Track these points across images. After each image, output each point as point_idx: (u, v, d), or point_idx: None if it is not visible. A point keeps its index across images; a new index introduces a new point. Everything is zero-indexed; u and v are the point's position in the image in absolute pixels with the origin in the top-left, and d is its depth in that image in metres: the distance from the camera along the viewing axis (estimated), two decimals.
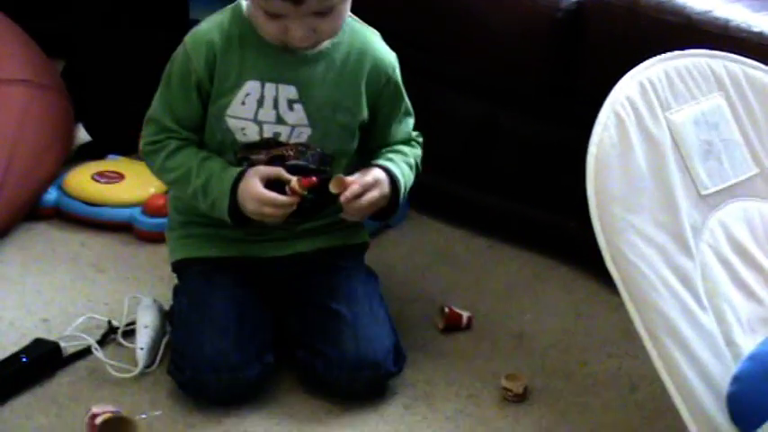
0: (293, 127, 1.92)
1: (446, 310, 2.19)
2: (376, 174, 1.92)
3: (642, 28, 2.17)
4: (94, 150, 2.66)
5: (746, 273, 1.78)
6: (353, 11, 1.98)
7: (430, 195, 2.54)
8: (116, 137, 2.68)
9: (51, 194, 2.47)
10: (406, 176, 1.98)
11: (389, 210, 1.97)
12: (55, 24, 3.00)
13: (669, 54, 1.87)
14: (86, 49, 2.79)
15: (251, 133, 1.92)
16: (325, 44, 1.92)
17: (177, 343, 1.97)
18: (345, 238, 2.04)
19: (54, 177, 2.50)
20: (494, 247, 2.46)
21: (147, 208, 2.41)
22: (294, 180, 1.87)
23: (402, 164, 1.98)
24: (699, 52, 1.90)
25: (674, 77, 1.84)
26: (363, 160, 2.00)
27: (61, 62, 2.78)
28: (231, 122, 1.92)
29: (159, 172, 1.98)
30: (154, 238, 2.39)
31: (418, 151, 2.05)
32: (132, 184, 2.48)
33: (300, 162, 1.94)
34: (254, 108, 1.91)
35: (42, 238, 2.41)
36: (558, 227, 2.38)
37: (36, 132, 2.47)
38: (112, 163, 2.56)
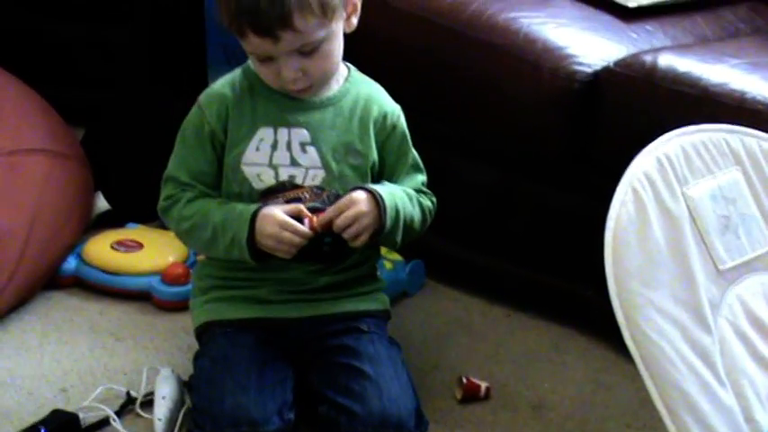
0: (307, 169, 1.96)
1: (464, 380, 2.19)
2: (351, 196, 1.94)
3: (659, 99, 2.18)
4: (114, 219, 2.67)
5: (765, 347, 1.78)
6: (368, 76, 2.01)
7: (447, 264, 2.55)
8: (135, 205, 2.70)
9: (71, 263, 2.48)
10: (397, 198, 1.98)
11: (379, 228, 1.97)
12: (75, 92, 3.04)
13: (686, 129, 1.88)
14: (106, 117, 2.81)
15: (267, 178, 1.96)
16: (333, 91, 1.98)
17: (198, 401, 1.98)
18: (368, 303, 2.05)
19: (73, 246, 2.51)
20: (512, 316, 2.46)
21: (166, 277, 2.42)
22: (314, 218, 1.90)
23: (391, 187, 2.00)
24: (715, 127, 1.90)
25: (690, 153, 1.85)
26: None
27: (81, 130, 2.80)
28: (247, 170, 1.96)
29: (177, 223, 2.00)
30: (173, 307, 2.40)
31: (427, 201, 2.06)
32: (151, 252, 2.49)
33: (317, 204, 1.96)
34: (269, 152, 1.95)
35: (61, 307, 2.42)
36: (575, 295, 2.38)
37: (56, 202, 2.49)
38: (132, 231, 2.58)
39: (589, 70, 2.26)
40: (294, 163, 1.96)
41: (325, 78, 1.96)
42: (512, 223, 2.46)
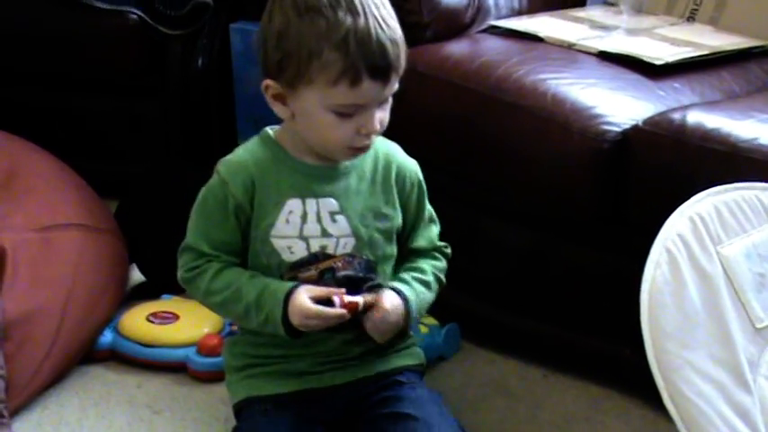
0: (338, 238, 1.94)
1: None
2: (387, 307, 1.92)
3: (689, 156, 2.18)
4: (148, 291, 2.69)
5: None
6: (399, 143, 2.02)
7: (483, 325, 2.55)
8: (170, 276, 2.70)
9: (107, 337, 2.49)
10: (417, 293, 1.98)
11: (402, 332, 1.97)
12: (107, 166, 3.07)
13: (718, 188, 1.88)
14: (138, 190, 2.83)
15: (298, 250, 1.93)
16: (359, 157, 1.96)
17: None
18: (404, 359, 2.04)
19: (109, 320, 2.52)
20: (548, 377, 2.45)
21: (202, 347, 2.43)
22: (346, 298, 1.88)
23: (416, 284, 1.99)
24: (747, 185, 1.91)
25: (723, 211, 1.85)
26: (397, 268, 2.03)
27: (114, 203, 2.82)
28: (277, 243, 1.93)
29: (205, 296, 1.97)
30: (209, 377, 2.40)
31: (442, 264, 2.05)
32: (186, 323, 2.50)
33: (350, 272, 1.94)
34: (299, 224, 1.92)
35: (99, 381, 2.42)
36: (612, 355, 2.37)
37: (91, 276, 2.50)
38: (166, 303, 2.59)
39: (618, 129, 2.26)
40: (325, 233, 1.94)
41: (383, 131, 1.94)
42: (546, 284, 2.46)
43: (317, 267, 1.93)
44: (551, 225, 2.42)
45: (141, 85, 3.09)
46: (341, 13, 1.81)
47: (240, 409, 2.02)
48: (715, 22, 2.75)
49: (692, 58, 2.52)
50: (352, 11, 1.81)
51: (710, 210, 1.84)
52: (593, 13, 2.82)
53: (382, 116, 1.88)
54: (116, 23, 3.03)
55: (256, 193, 1.92)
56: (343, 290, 1.89)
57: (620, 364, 2.34)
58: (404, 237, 2.03)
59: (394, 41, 1.83)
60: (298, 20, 1.83)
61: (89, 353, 2.47)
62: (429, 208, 2.06)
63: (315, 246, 1.93)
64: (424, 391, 2.00)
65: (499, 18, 2.74)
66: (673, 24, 2.75)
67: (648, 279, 1.76)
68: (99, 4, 3.04)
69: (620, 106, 2.32)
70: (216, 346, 2.42)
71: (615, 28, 2.69)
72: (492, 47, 2.59)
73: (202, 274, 1.95)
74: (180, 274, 1.99)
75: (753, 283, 1.81)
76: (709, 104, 2.34)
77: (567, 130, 2.28)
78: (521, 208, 2.44)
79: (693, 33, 2.68)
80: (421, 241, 2.03)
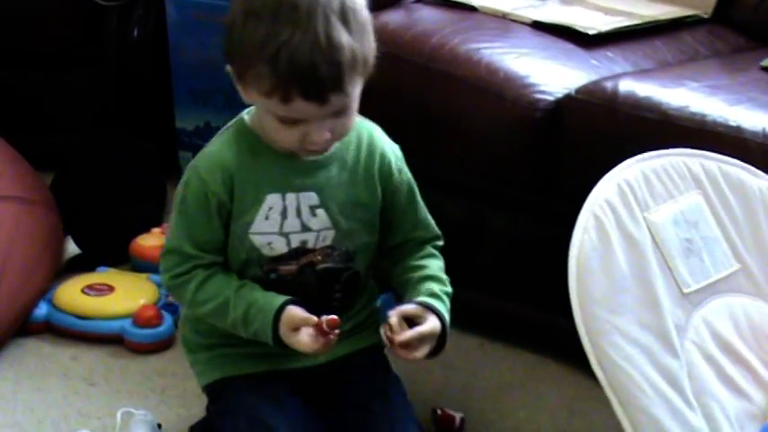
0: (318, 232, 1.91)
1: (438, 411, 2.19)
2: (434, 325, 1.89)
3: (620, 125, 2.20)
4: (84, 263, 2.67)
5: (733, 369, 1.79)
6: None
7: None
8: (105, 249, 2.70)
9: (42, 309, 2.48)
10: (448, 314, 1.96)
11: (434, 352, 1.94)
12: (42, 138, 3.05)
13: (645, 154, 1.89)
14: (74, 162, 2.81)
15: (278, 246, 1.90)
16: (335, 145, 1.89)
17: None
18: (373, 337, 2.02)
19: (44, 292, 2.51)
20: (484, 346, 2.46)
21: (138, 319, 2.42)
22: (324, 322, 1.83)
23: (446, 298, 1.97)
24: (675, 151, 1.92)
25: (651, 177, 1.87)
26: (393, 257, 2.01)
27: (49, 176, 2.80)
28: (256, 239, 1.89)
29: (191, 304, 1.92)
30: (145, 349, 2.40)
31: (442, 261, 2.03)
32: (122, 295, 2.49)
33: (329, 264, 1.93)
34: (279, 221, 1.88)
35: (33, 354, 2.41)
36: (547, 323, 2.39)
37: (26, 249, 2.48)
38: (102, 275, 2.57)
39: (551, 98, 2.27)
40: (305, 228, 1.89)
41: (345, 136, 1.86)
42: (481, 254, 2.47)
43: (297, 262, 1.91)
44: (485, 194, 2.43)
45: (76, 56, 3.07)
46: (279, 26, 1.71)
47: (216, 389, 1.98)
48: None
49: (626, 27, 2.54)
50: (294, 23, 1.71)
51: (638, 176, 1.85)
52: None
53: (337, 124, 1.79)
54: None
55: (235, 189, 1.87)
56: (324, 319, 1.83)
57: (555, 331, 2.36)
58: (395, 225, 1.99)
59: (333, 62, 1.71)
60: (242, 21, 1.75)
61: (24, 325, 2.45)
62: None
63: (295, 241, 1.90)
64: (393, 381, 2.01)
65: None
66: None
67: (576, 245, 1.77)
68: None
69: (553, 75, 2.33)
70: (152, 317, 2.41)
71: None
72: (426, 16, 2.59)
73: (188, 282, 1.89)
74: (164, 279, 1.93)
75: (680, 248, 1.83)
76: (641, 73, 2.36)
77: (501, 98, 2.29)
78: (455, 177, 2.45)
79: (627, 3, 2.69)
80: (419, 231, 2.01)
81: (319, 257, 1.91)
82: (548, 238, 2.32)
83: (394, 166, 1.97)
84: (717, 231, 1.88)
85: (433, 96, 2.40)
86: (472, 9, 2.61)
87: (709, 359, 1.78)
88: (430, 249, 2.01)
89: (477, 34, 2.45)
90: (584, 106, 2.24)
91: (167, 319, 2.43)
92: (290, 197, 1.88)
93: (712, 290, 1.84)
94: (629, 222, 1.80)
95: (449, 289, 1.98)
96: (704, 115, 2.13)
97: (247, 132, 1.89)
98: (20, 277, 2.44)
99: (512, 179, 2.35)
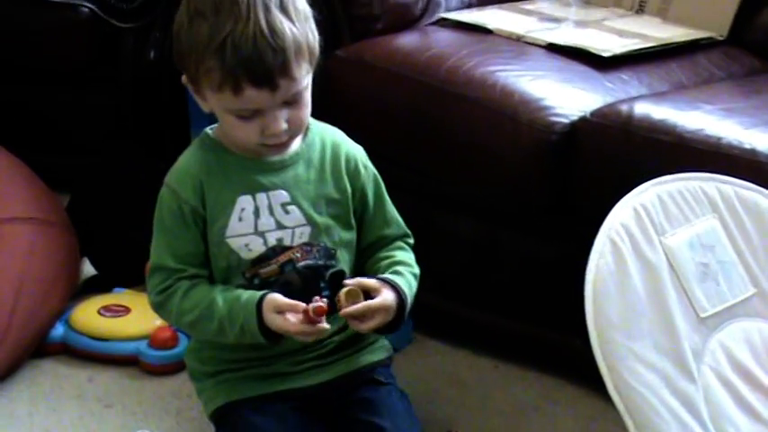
0: (293, 229, 1.93)
1: None
2: (386, 297, 1.91)
3: (635, 147, 2.20)
4: (100, 284, 2.68)
5: (750, 394, 1.78)
6: (349, 134, 2.02)
7: (434, 317, 2.56)
8: (121, 270, 2.70)
9: (58, 330, 2.49)
10: (412, 291, 1.98)
11: (393, 325, 1.96)
12: (59, 159, 3.06)
13: (661, 178, 1.89)
14: (90, 182, 2.82)
15: (256, 246, 1.92)
16: (299, 145, 1.94)
17: None
18: (378, 353, 2.03)
19: (60, 313, 2.51)
20: (500, 368, 2.46)
21: (154, 341, 2.43)
22: (310, 309, 1.86)
23: (409, 276, 1.99)
24: (691, 175, 1.92)
25: (667, 201, 1.87)
26: (365, 256, 2.01)
27: (66, 196, 2.81)
28: (233, 242, 1.91)
29: (177, 316, 1.93)
30: (161, 371, 2.41)
31: (412, 254, 2.04)
32: (138, 317, 2.50)
33: (310, 262, 1.94)
34: (253, 220, 1.91)
35: (50, 375, 2.42)
36: (563, 345, 2.38)
37: (42, 270, 2.49)
38: (118, 296, 2.58)
39: (566, 121, 2.27)
40: (280, 226, 1.92)
41: (302, 129, 1.91)
42: (497, 275, 2.47)
43: (276, 261, 1.92)
44: (501, 216, 2.43)
45: (94, 77, 3.08)
46: (222, 19, 1.78)
47: (222, 415, 1.98)
48: (663, 14, 2.76)
49: (641, 49, 2.54)
50: (236, 16, 1.78)
51: (654, 200, 1.86)
52: (542, 5, 2.83)
53: (292, 115, 1.85)
54: (68, 16, 3.02)
55: (206, 195, 1.90)
56: (311, 306, 1.84)
57: (571, 354, 2.36)
58: (367, 223, 2.01)
59: (278, 48, 1.78)
60: (188, 23, 1.81)
61: (40, 346, 2.46)
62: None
63: (271, 239, 1.92)
64: (398, 397, 2.00)
65: (449, 10, 2.75)
66: (621, 16, 2.77)
67: (592, 269, 1.77)
68: None
69: (568, 98, 2.33)
70: (167, 339, 2.42)
71: (564, 20, 2.71)
72: (442, 39, 2.61)
73: (172, 295, 1.91)
74: (150, 298, 1.95)
75: (696, 272, 1.83)
76: (656, 96, 2.36)
77: (516, 121, 2.30)
78: (470, 199, 2.45)
79: (642, 25, 2.70)
80: (391, 228, 2.02)
81: (298, 254, 1.93)
82: (562, 260, 2.33)
83: (360, 162, 1.99)
84: (733, 255, 1.88)
85: (449, 118, 2.40)
86: (487, 32, 2.62)
87: (726, 384, 1.78)
88: (400, 243, 2.03)
89: (493, 57, 2.46)
90: (599, 129, 2.24)
91: (183, 341, 2.43)
92: (261, 197, 1.91)
93: (729, 314, 1.84)
94: (646, 246, 1.81)
95: (415, 270, 2.00)
96: (719, 138, 2.13)
97: (211, 142, 1.94)
98: (36, 298, 2.45)
99: (526, 201, 2.35)
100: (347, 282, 1.89)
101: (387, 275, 1.95)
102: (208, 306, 1.89)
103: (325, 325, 1.84)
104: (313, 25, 1.86)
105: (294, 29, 1.81)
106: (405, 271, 1.98)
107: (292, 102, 1.84)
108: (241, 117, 1.83)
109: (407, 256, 2.02)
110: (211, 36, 1.78)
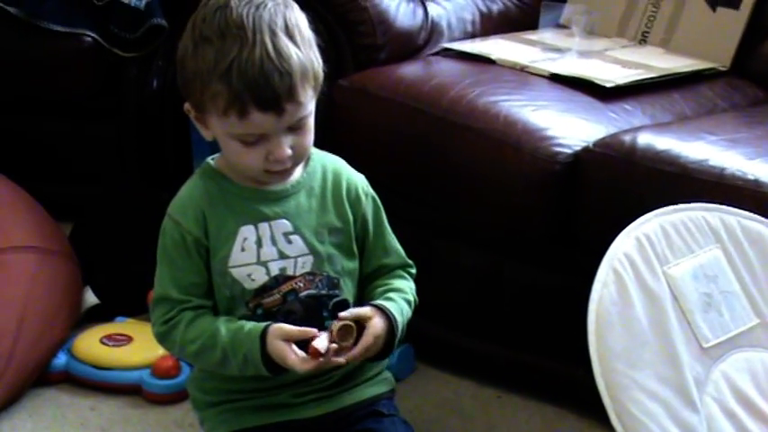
0: (296, 258, 1.91)
1: None
2: (375, 327, 1.89)
3: (639, 177, 2.20)
4: (103, 313, 2.68)
5: (752, 424, 1.78)
6: (351, 164, 2.02)
7: (437, 347, 2.56)
8: (124, 299, 2.71)
9: (60, 359, 2.49)
10: (404, 317, 1.96)
11: (384, 353, 1.94)
12: (61, 188, 3.06)
13: (665, 209, 1.90)
14: (93, 212, 2.83)
15: (258, 276, 1.90)
16: (300, 174, 1.93)
17: None
18: (380, 386, 2.02)
19: (63, 342, 2.52)
20: (502, 398, 2.46)
21: (156, 370, 2.43)
22: (317, 342, 1.84)
23: (402, 302, 1.98)
24: (694, 206, 1.92)
25: (670, 232, 1.87)
26: (366, 284, 2.00)
27: (69, 226, 2.81)
28: (236, 272, 1.90)
29: (181, 347, 1.91)
30: (163, 400, 2.41)
31: (412, 284, 2.03)
32: (140, 346, 2.50)
33: (312, 291, 1.92)
34: (255, 250, 1.90)
35: (52, 404, 2.42)
36: (565, 375, 2.38)
37: (45, 299, 2.50)
38: (120, 325, 2.58)
39: (569, 151, 2.28)
40: (282, 255, 1.91)
41: (306, 155, 1.91)
42: (499, 304, 2.47)
43: (279, 291, 1.92)
44: (503, 246, 2.43)
45: (96, 106, 3.09)
46: (228, 44, 1.78)
47: None
48: (666, 45, 2.77)
49: (644, 80, 2.54)
50: (242, 40, 1.78)
51: (657, 230, 1.86)
52: (545, 35, 2.84)
53: (297, 141, 1.84)
54: (71, 46, 3.04)
55: (209, 225, 1.89)
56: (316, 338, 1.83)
57: (574, 384, 2.36)
58: (368, 251, 2.00)
59: (284, 72, 1.78)
60: (193, 49, 1.81)
61: (43, 375, 2.46)
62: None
63: (274, 269, 1.91)
64: (402, 428, 1.98)
65: (452, 40, 2.76)
66: (624, 47, 2.77)
67: (595, 299, 1.77)
68: (55, 27, 3.04)
69: (571, 128, 2.34)
70: (170, 368, 2.42)
71: (567, 50, 2.71)
72: (445, 69, 2.61)
73: (176, 325, 1.89)
74: (155, 330, 1.92)
75: (699, 303, 1.83)
76: (659, 126, 2.37)
77: (519, 151, 2.30)
78: (473, 229, 2.46)
79: (645, 55, 2.71)
80: (391, 257, 2.01)
81: (301, 284, 1.92)
82: (565, 290, 2.33)
83: (361, 190, 1.99)
84: (736, 286, 1.88)
85: (451, 148, 2.41)
86: (490, 62, 2.63)
87: (729, 414, 1.77)
88: (400, 272, 2.02)
89: (496, 87, 2.47)
90: (602, 159, 2.25)
91: (185, 370, 2.43)
92: (263, 226, 1.90)
93: (731, 344, 1.84)
94: (649, 276, 1.81)
95: (410, 297, 1.98)
96: (723, 168, 2.14)
97: (213, 172, 1.93)
98: (39, 327, 2.45)
99: (529, 231, 2.36)
100: (342, 315, 1.87)
101: (378, 302, 1.94)
102: (211, 336, 1.88)
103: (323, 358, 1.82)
104: (317, 52, 1.86)
105: (300, 53, 1.81)
106: (397, 297, 1.96)
107: (297, 128, 1.83)
108: (245, 143, 1.83)
109: (405, 284, 2.01)
110: (217, 60, 1.78)
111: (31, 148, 3.14)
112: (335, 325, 1.85)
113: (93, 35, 3.03)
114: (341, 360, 1.84)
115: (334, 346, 1.83)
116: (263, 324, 1.87)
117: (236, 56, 1.77)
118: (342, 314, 1.88)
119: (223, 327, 1.88)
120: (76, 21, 3.04)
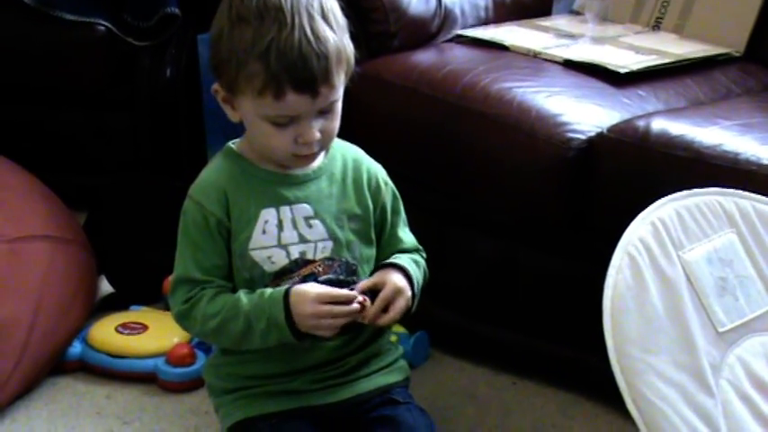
0: (316, 243, 1.93)
1: None
2: (395, 282, 1.92)
3: (653, 163, 2.20)
4: (117, 302, 2.69)
5: None
6: (366, 151, 2.02)
7: (452, 334, 2.56)
8: (138, 287, 2.71)
9: (76, 348, 2.49)
10: (416, 274, 1.98)
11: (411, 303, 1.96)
12: (76, 178, 3.07)
13: (679, 194, 1.89)
14: (107, 201, 2.83)
15: (279, 259, 1.91)
16: (322, 160, 1.94)
17: None
18: (396, 375, 2.03)
19: (78, 331, 2.52)
20: (517, 384, 2.46)
21: (171, 358, 2.43)
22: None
23: (410, 261, 1.99)
24: (708, 190, 1.92)
25: (685, 216, 1.87)
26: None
27: (83, 215, 2.82)
28: (256, 254, 1.91)
29: (203, 323, 1.90)
30: (179, 388, 2.41)
31: (423, 261, 2.04)
32: (155, 334, 2.50)
33: (331, 276, 1.93)
34: (276, 233, 1.91)
35: (68, 393, 2.42)
36: (580, 361, 2.38)
37: (60, 287, 2.50)
38: (135, 314, 2.59)
39: (583, 137, 2.28)
40: (303, 239, 1.92)
41: (332, 141, 1.91)
42: (514, 291, 2.47)
43: (299, 274, 1.92)
44: (518, 233, 2.43)
45: (110, 96, 3.10)
46: (267, 25, 1.79)
47: (239, 430, 1.97)
48: (680, 30, 2.77)
49: (657, 65, 2.54)
50: (280, 22, 1.80)
51: (672, 215, 1.85)
52: (559, 21, 2.84)
53: (325, 125, 1.86)
54: (84, 35, 3.04)
55: (231, 207, 1.90)
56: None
57: (588, 370, 2.36)
58: (384, 239, 2.01)
59: (321, 54, 1.80)
60: (229, 28, 1.82)
61: (58, 364, 2.47)
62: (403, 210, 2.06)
63: (294, 253, 1.92)
64: (419, 416, 1.99)
65: (465, 27, 2.76)
66: (638, 33, 2.77)
67: (610, 284, 1.77)
68: (67, 16, 3.04)
69: (585, 114, 2.33)
70: (185, 355, 2.42)
71: (580, 36, 2.71)
72: (458, 56, 2.61)
73: (198, 302, 1.90)
74: (174, 311, 1.93)
75: (714, 287, 1.83)
76: (673, 111, 2.36)
77: (533, 137, 2.30)
78: (487, 216, 2.45)
79: (658, 41, 2.70)
80: (405, 244, 2.02)
81: (320, 269, 1.93)
82: (580, 276, 2.33)
83: (381, 179, 2.00)
84: (751, 270, 1.88)
85: (466, 135, 2.41)
86: (504, 48, 2.63)
87: (745, 398, 1.77)
88: (411, 254, 2.03)
89: (509, 73, 2.46)
90: (616, 145, 2.24)
91: (201, 358, 2.44)
92: (285, 210, 1.91)
93: (747, 329, 1.83)
94: (664, 261, 1.80)
95: (417, 258, 2.00)
96: (737, 153, 2.13)
97: (235, 155, 1.94)
98: (54, 316, 2.45)
99: (543, 217, 2.36)
100: (360, 286, 1.90)
101: (388, 260, 1.96)
102: (232, 306, 1.88)
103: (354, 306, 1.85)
104: (348, 36, 1.87)
105: (335, 37, 1.83)
106: (402, 256, 1.99)
107: (327, 111, 1.85)
108: (277, 124, 1.84)
109: (413, 256, 2.02)
110: (255, 41, 1.79)
111: (44, 137, 3.15)
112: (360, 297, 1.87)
113: (106, 24, 3.03)
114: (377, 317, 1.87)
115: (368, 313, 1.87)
116: (285, 287, 1.88)
117: (274, 37, 1.79)
118: (359, 285, 1.89)
119: (244, 296, 1.89)
120: (89, 10, 3.05)
